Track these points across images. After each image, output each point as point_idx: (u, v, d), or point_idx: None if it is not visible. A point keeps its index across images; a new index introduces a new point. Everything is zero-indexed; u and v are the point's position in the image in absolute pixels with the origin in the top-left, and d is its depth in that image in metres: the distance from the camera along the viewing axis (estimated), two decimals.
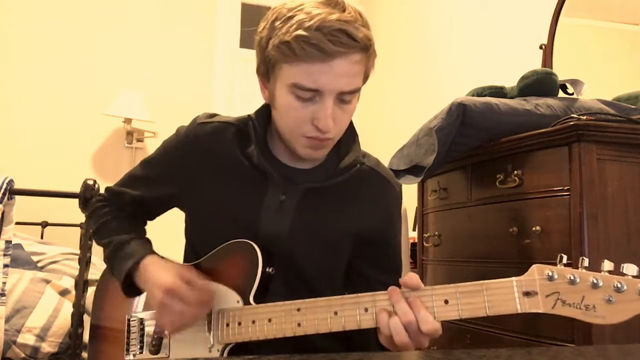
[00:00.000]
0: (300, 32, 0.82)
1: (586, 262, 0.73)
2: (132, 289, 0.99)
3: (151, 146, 3.35)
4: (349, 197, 1.00)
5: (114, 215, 1.09)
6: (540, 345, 1.24)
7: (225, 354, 0.92)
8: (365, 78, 0.93)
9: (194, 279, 0.92)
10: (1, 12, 3.17)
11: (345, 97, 0.88)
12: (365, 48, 0.87)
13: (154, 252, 1.00)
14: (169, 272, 0.92)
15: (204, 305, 0.91)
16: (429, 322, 0.76)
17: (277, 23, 0.86)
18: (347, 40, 0.83)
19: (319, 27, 0.82)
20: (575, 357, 0.62)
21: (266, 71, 0.92)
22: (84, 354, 1.78)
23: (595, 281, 0.70)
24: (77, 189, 1.71)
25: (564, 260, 0.74)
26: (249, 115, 1.02)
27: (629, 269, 0.70)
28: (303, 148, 0.93)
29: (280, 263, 0.96)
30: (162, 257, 0.99)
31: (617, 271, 0.70)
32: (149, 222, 1.15)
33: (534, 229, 1.29)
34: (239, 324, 0.90)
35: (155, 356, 1.00)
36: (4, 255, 1.72)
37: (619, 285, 0.69)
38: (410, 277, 0.81)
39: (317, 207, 0.98)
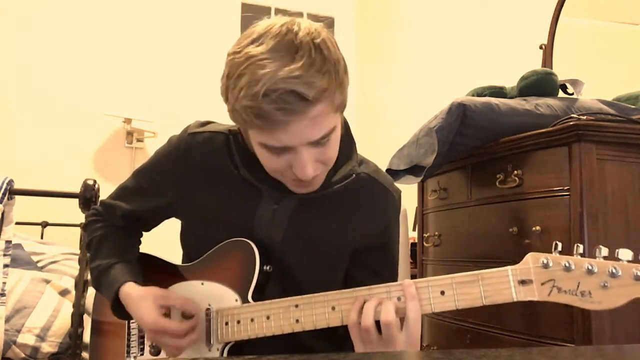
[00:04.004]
0: (247, 102, 0.77)
1: (581, 249, 0.73)
2: (124, 314, 0.99)
3: (151, 146, 3.35)
4: (345, 207, 0.98)
5: (104, 233, 1.09)
6: (540, 345, 1.24)
7: (225, 353, 0.92)
8: (342, 109, 0.86)
9: (174, 303, 0.94)
10: (1, 11, 3.17)
11: (320, 141, 0.83)
12: (324, 98, 0.79)
13: (131, 279, 0.99)
14: (144, 309, 0.93)
15: (195, 329, 0.93)
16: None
17: (230, 82, 0.80)
18: (298, 105, 0.76)
19: (266, 92, 0.75)
20: (575, 357, 0.62)
21: (236, 124, 0.89)
22: (84, 354, 1.78)
23: (590, 267, 0.71)
24: (77, 189, 1.71)
25: (559, 248, 0.74)
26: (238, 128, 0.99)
27: (624, 254, 0.70)
28: (293, 187, 0.91)
29: (276, 269, 0.96)
30: (136, 286, 0.97)
31: (612, 257, 0.71)
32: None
33: (534, 229, 1.28)
34: (238, 322, 0.90)
35: (155, 357, 1.00)
36: (4, 255, 1.72)
37: (614, 271, 0.70)
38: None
39: (311, 218, 0.97)
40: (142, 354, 1.02)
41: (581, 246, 0.73)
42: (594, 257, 0.72)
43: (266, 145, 0.83)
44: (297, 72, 0.75)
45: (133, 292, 0.96)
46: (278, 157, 0.84)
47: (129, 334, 1.05)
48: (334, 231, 0.98)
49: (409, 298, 0.78)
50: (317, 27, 0.82)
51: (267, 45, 0.78)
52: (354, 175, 0.97)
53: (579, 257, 0.72)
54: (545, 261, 0.73)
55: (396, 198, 1.04)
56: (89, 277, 1.74)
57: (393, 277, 1.05)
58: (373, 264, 1.02)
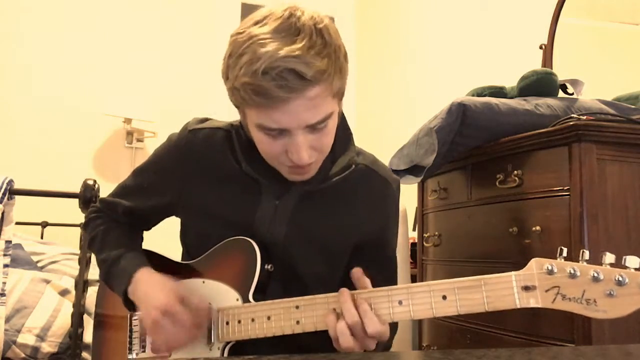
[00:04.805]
0: (246, 79, 0.78)
1: (587, 256, 0.71)
2: (133, 305, 0.98)
3: (151, 146, 3.35)
4: (346, 199, 0.99)
5: (107, 227, 1.08)
6: (540, 345, 1.24)
7: (225, 352, 0.92)
8: (340, 96, 0.87)
9: (189, 296, 0.92)
10: (1, 11, 3.16)
11: (317, 126, 0.83)
12: (322, 80, 0.79)
13: (145, 266, 0.98)
14: (162, 290, 0.91)
15: (200, 327, 0.91)
16: (374, 324, 0.78)
17: (231, 60, 0.82)
18: (297, 83, 0.77)
19: (265, 69, 0.76)
20: (575, 357, 0.62)
21: (235, 105, 0.89)
22: (84, 354, 1.78)
23: (596, 274, 0.69)
24: (77, 189, 1.71)
25: (564, 254, 0.73)
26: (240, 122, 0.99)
27: (631, 261, 0.68)
28: (288, 174, 0.91)
29: (277, 267, 0.96)
30: (154, 272, 0.97)
31: (618, 264, 0.69)
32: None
33: (534, 229, 1.28)
34: (239, 322, 0.90)
35: (157, 355, 1.00)
36: (4, 255, 1.72)
37: (620, 279, 0.68)
38: (360, 279, 0.82)
39: (313, 212, 0.97)
40: (143, 351, 1.02)
41: (587, 252, 0.71)
42: (600, 263, 0.70)
43: (263, 127, 0.83)
44: (297, 52, 0.77)
45: (155, 276, 0.95)
46: (274, 141, 0.85)
47: (130, 330, 1.05)
48: (335, 224, 0.98)
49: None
50: (319, 14, 0.84)
51: (269, 26, 0.79)
52: (352, 166, 0.98)
53: (584, 263, 0.71)
54: (549, 267, 0.71)
55: (394, 188, 1.05)
56: (89, 277, 1.75)
57: (393, 267, 1.07)
58: (373, 257, 1.02)
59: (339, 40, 0.84)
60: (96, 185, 1.71)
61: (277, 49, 0.77)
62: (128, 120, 3.23)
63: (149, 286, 0.93)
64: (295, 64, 0.77)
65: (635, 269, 0.68)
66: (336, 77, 0.82)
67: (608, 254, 0.70)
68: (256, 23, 0.81)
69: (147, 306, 0.92)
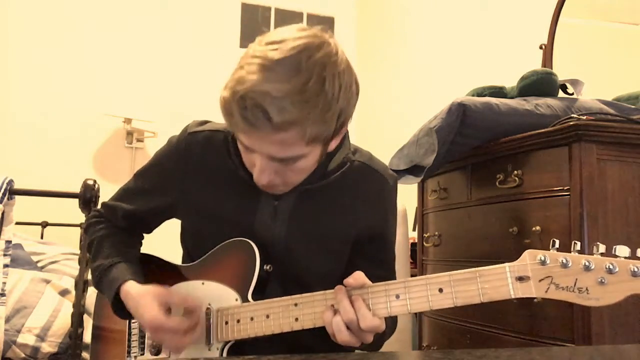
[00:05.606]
0: (226, 94, 0.78)
1: (578, 246, 0.73)
2: (124, 313, 0.98)
3: (151, 146, 3.35)
4: (343, 196, 0.99)
5: (105, 234, 1.08)
6: (540, 345, 1.24)
7: (224, 352, 0.93)
8: (322, 141, 0.83)
9: (174, 300, 0.92)
10: (1, 11, 3.17)
11: (282, 160, 0.82)
12: (290, 129, 0.77)
13: (131, 279, 0.97)
14: (146, 305, 0.91)
15: (195, 328, 0.91)
16: (367, 319, 0.79)
17: (237, 65, 0.81)
18: (261, 123, 0.76)
19: (242, 96, 0.76)
20: (575, 357, 0.62)
21: None
22: (84, 354, 1.78)
23: (587, 264, 0.71)
24: (77, 189, 1.71)
25: (557, 245, 0.75)
26: None
27: (621, 250, 0.71)
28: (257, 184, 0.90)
29: (277, 267, 0.96)
30: (137, 285, 0.96)
31: (609, 254, 0.71)
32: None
33: (534, 229, 1.28)
34: (238, 321, 0.91)
35: (155, 357, 1.00)
36: (4, 255, 1.72)
37: (611, 267, 0.70)
38: (354, 277, 0.83)
39: (312, 210, 0.98)
40: (142, 354, 1.02)
41: (578, 243, 0.74)
42: (592, 254, 0.72)
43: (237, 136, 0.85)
44: (277, 93, 0.75)
45: (133, 290, 0.95)
46: (246, 153, 0.86)
47: (129, 333, 1.05)
48: (335, 220, 0.99)
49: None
50: (343, 60, 0.81)
51: (278, 53, 0.77)
52: (348, 163, 0.99)
53: (576, 254, 0.73)
54: (542, 258, 0.73)
55: (391, 184, 1.05)
56: (89, 277, 1.75)
57: (392, 262, 1.08)
58: (372, 253, 1.03)
59: (340, 94, 0.80)
60: (96, 185, 1.71)
61: (264, 81, 0.75)
62: (128, 120, 3.23)
63: (133, 302, 0.93)
64: (268, 104, 0.75)
65: (625, 258, 0.70)
66: (312, 127, 0.78)
67: (599, 244, 0.72)
68: (273, 43, 0.79)
69: (141, 322, 0.94)
